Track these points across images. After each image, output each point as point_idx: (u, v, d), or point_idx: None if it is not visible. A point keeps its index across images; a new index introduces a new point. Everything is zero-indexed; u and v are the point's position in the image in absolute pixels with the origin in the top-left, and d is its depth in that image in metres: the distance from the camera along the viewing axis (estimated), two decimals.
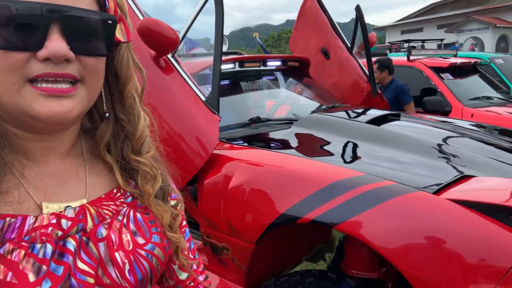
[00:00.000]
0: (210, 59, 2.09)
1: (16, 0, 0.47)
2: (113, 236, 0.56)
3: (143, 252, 0.58)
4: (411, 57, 4.82)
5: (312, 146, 1.96)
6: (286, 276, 1.56)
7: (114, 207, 0.59)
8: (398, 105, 3.97)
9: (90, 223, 0.55)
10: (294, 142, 1.99)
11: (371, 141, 1.85)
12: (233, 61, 2.45)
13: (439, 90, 4.35)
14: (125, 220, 0.59)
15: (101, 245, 0.54)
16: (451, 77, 4.51)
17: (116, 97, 0.62)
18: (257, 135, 2.09)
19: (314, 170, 1.55)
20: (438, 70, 4.51)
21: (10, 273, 0.47)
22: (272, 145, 1.98)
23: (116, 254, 0.55)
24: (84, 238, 0.54)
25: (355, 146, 1.85)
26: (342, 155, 1.80)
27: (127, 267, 0.55)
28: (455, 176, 1.44)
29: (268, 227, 1.51)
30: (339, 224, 1.34)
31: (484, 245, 1.19)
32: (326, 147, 1.90)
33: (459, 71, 4.69)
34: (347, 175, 1.44)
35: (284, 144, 1.96)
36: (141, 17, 1.76)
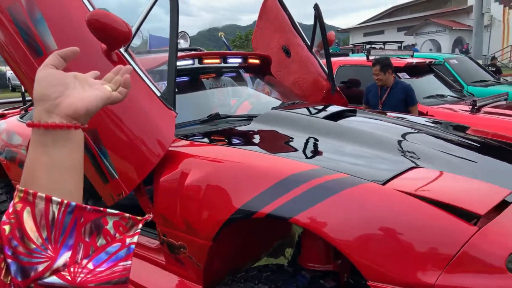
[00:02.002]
0: (167, 55, 2.05)
1: None
2: None
3: None
4: (371, 57, 4.97)
5: (270, 142, 1.97)
6: (243, 272, 1.55)
7: None
8: (404, 105, 3.74)
9: None
10: (252, 138, 1.99)
11: (328, 136, 1.87)
12: (191, 57, 2.42)
13: None
14: None
15: None
16: (408, 76, 4.68)
17: None
18: (216, 131, 2.07)
19: (270, 165, 1.55)
20: (395, 69, 4.66)
21: None
22: (230, 141, 1.97)
23: None
24: None
25: (311, 140, 1.87)
26: (299, 150, 1.82)
27: None
28: (405, 168, 1.49)
29: (225, 223, 1.50)
30: (294, 217, 1.35)
31: (430, 233, 1.23)
32: (283, 142, 1.91)
33: (415, 70, 4.88)
34: (302, 169, 1.45)
35: (242, 140, 1.96)
36: (91, 9, 1.70)
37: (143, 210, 1.84)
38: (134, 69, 1.75)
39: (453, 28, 24.53)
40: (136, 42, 2.86)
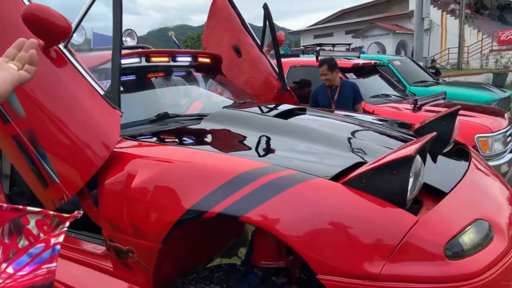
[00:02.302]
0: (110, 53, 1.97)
1: None
2: None
3: None
4: (320, 58, 5.11)
5: (220, 141, 1.95)
6: (194, 273, 1.52)
7: None
8: (352, 103, 3.88)
9: None
10: (202, 137, 1.96)
11: (278, 134, 1.89)
12: (138, 55, 2.34)
13: None
14: None
15: None
16: (355, 77, 4.86)
17: None
18: (165, 131, 2.02)
19: (220, 164, 1.54)
20: (343, 70, 4.82)
21: None
22: (180, 140, 1.93)
23: None
24: None
25: (263, 138, 1.88)
26: (250, 148, 1.82)
27: None
28: (351, 163, 1.53)
29: (174, 224, 1.46)
30: (244, 215, 1.34)
31: (374, 225, 1.27)
32: (234, 141, 1.90)
33: (361, 71, 5.08)
34: (252, 167, 1.45)
35: (192, 140, 1.92)
36: (26, 3, 1.60)
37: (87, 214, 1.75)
38: (74, 66, 1.66)
39: (396, 31, 25.83)
40: (78, 39, 2.73)
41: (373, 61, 5.48)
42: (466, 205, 1.52)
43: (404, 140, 2.09)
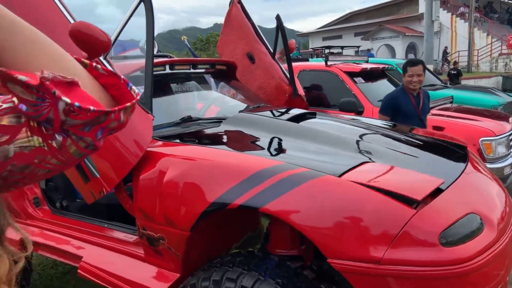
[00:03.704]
0: (141, 61, 2.20)
1: None
2: None
3: None
4: (329, 63, 5.29)
5: (238, 141, 2.16)
6: (218, 258, 1.73)
7: None
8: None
9: None
10: (222, 138, 2.17)
11: (291, 136, 2.09)
12: (164, 64, 2.56)
13: (352, 92, 4.84)
14: None
15: None
16: (363, 81, 5.03)
17: None
18: (189, 133, 2.23)
19: (240, 162, 1.74)
20: (351, 74, 5.00)
21: None
22: (202, 141, 2.14)
23: None
24: None
25: (276, 140, 2.08)
26: (265, 148, 2.02)
27: None
28: (358, 163, 1.73)
29: (201, 214, 1.67)
30: (263, 206, 1.54)
31: (378, 216, 1.46)
32: (251, 142, 2.11)
33: (370, 75, 5.24)
34: (268, 165, 1.65)
35: (213, 140, 2.13)
36: (72, 21, 1.82)
37: (123, 206, 1.97)
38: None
39: (406, 34, 25.84)
40: None
41: (381, 66, 5.64)
42: (461, 201, 1.70)
43: (407, 143, 2.27)
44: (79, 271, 2.10)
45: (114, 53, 3.83)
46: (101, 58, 1.88)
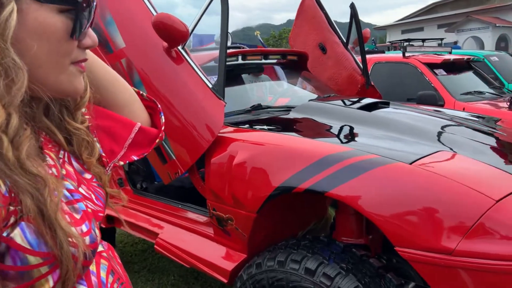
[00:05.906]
0: (215, 52, 2.31)
1: None
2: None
3: (95, 184, 0.66)
4: (407, 54, 5.03)
5: (307, 128, 2.16)
6: (283, 241, 1.76)
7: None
8: None
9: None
10: (291, 125, 2.19)
11: (360, 124, 2.05)
12: (236, 54, 2.65)
13: (432, 85, 4.55)
14: (67, 160, 0.64)
15: (68, 182, 0.61)
16: (445, 73, 4.71)
17: None
18: (258, 119, 2.29)
19: (307, 147, 1.75)
20: (432, 66, 4.71)
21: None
22: (271, 127, 2.18)
23: (80, 189, 0.61)
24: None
25: (345, 127, 2.05)
26: (334, 135, 2.00)
27: (93, 196, 0.63)
28: (432, 152, 1.64)
29: (268, 197, 1.71)
30: (329, 191, 1.54)
31: (452, 206, 1.38)
32: (319, 129, 2.11)
33: (453, 67, 4.89)
34: (336, 151, 1.64)
35: (282, 127, 2.17)
36: (154, 13, 1.97)
37: (195, 187, 2.09)
38: (190, 64, 2.00)
39: (497, 25, 23.46)
40: None
41: (465, 57, 5.23)
42: None
43: (495, 136, 2.08)
44: (155, 246, 2.28)
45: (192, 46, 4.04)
46: (180, 47, 2.01)
